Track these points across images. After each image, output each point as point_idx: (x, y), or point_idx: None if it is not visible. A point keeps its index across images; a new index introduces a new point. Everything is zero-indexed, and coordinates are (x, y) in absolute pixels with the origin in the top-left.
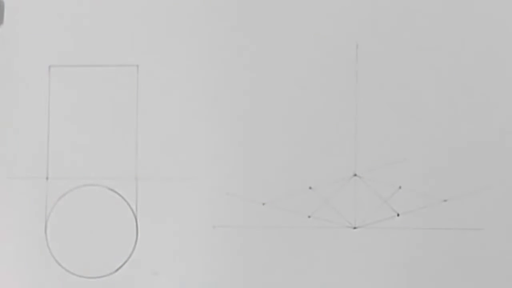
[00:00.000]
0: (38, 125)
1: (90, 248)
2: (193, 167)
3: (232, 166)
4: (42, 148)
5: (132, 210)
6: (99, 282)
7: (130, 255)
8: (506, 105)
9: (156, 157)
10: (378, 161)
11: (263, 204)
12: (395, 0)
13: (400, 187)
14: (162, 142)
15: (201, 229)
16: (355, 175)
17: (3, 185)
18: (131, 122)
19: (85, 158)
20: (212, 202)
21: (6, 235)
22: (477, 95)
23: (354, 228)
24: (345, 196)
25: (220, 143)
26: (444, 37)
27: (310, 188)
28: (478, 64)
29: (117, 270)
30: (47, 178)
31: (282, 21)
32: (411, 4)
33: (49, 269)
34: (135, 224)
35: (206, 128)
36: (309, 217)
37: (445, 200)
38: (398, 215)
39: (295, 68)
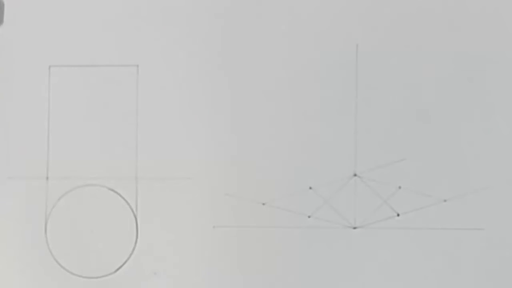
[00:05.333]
0: (38, 125)
1: (90, 248)
2: (193, 167)
3: (232, 166)
4: (42, 148)
5: (132, 210)
6: (99, 282)
7: (130, 255)
8: (506, 105)
9: (156, 157)
10: (378, 161)
11: (263, 204)
12: (395, 0)
13: (400, 187)
14: (162, 142)
15: (201, 229)
16: (355, 175)
17: (3, 185)
18: (131, 122)
19: (85, 158)
20: (212, 202)
21: (6, 235)
22: (477, 94)
23: (354, 228)
24: (345, 196)
25: (220, 143)
26: (444, 37)
27: (310, 188)
28: (478, 64)
29: (117, 270)
30: (47, 178)
31: (282, 21)
32: (411, 4)
33: (49, 269)
34: (135, 224)
35: (206, 128)
36: (309, 217)
37: (445, 200)
38: (398, 215)
39: (295, 68)
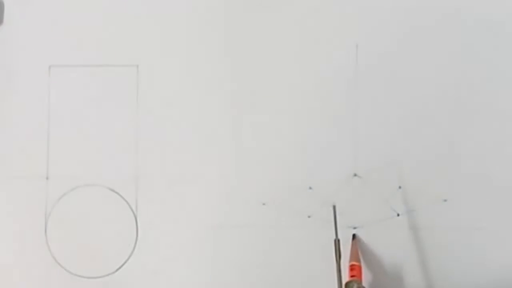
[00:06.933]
0: (38, 125)
1: (90, 248)
2: (193, 167)
3: (232, 166)
4: (42, 148)
5: (132, 210)
6: (99, 282)
7: (130, 255)
8: (506, 105)
9: (156, 157)
10: (378, 161)
11: (263, 204)
12: (395, 0)
13: (400, 187)
14: (162, 142)
15: (201, 229)
16: (355, 175)
17: (3, 185)
18: (131, 122)
19: (85, 158)
20: (212, 202)
21: (6, 235)
22: (477, 94)
23: (354, 228)
24: (345, 196)
25: (220, 143)
26: (444, 37)
27: (310, 188)
28: (478, 64)
29: (117, 270)
30: (47, 178)
31: (282, 21)
32: (411, 4)
33: (49, 269)
34: (135, 224)
35: (206, 128)
36: (309, 217)
37: (445, 200)
38: (398, 215)
39: (295, 68)
